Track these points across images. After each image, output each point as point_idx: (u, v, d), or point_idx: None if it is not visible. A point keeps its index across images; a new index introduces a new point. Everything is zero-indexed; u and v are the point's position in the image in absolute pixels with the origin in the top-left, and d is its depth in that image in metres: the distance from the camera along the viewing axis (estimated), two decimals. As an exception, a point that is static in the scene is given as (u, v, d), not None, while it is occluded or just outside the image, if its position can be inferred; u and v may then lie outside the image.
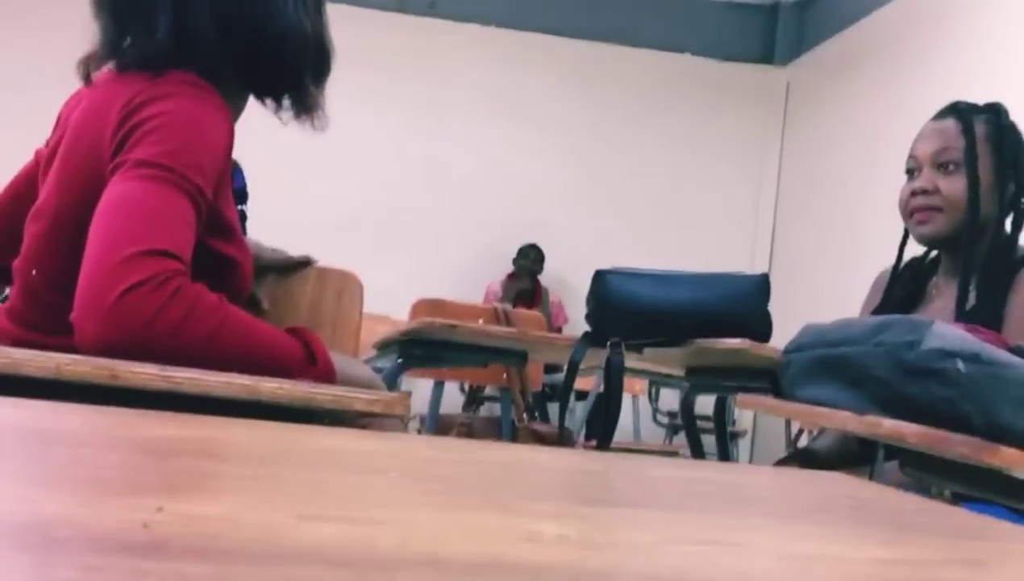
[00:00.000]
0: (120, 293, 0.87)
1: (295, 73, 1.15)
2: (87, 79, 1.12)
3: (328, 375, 0.99)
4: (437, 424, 2.93)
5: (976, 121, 1.57)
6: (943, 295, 1.60)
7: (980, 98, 1.66)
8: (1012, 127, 1.59)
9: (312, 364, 0.98)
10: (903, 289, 1.67)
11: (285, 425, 0.67)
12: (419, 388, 3.93)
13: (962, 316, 1.50)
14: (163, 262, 0.90)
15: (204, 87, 1.05)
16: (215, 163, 1.02)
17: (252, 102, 1.20)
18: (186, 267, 0.93)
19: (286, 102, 1.19)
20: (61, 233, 1.05)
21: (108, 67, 1.11)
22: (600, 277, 1.95)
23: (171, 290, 0.89)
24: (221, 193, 1.07)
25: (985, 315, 1.45)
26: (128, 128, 0.99)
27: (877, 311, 1.67)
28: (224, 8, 1.09)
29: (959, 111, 1.60)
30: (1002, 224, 1.57)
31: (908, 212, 1.61)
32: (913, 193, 1.59)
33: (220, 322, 0.92)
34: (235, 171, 2.25)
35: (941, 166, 1.57)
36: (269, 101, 1.19)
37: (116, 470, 0.45)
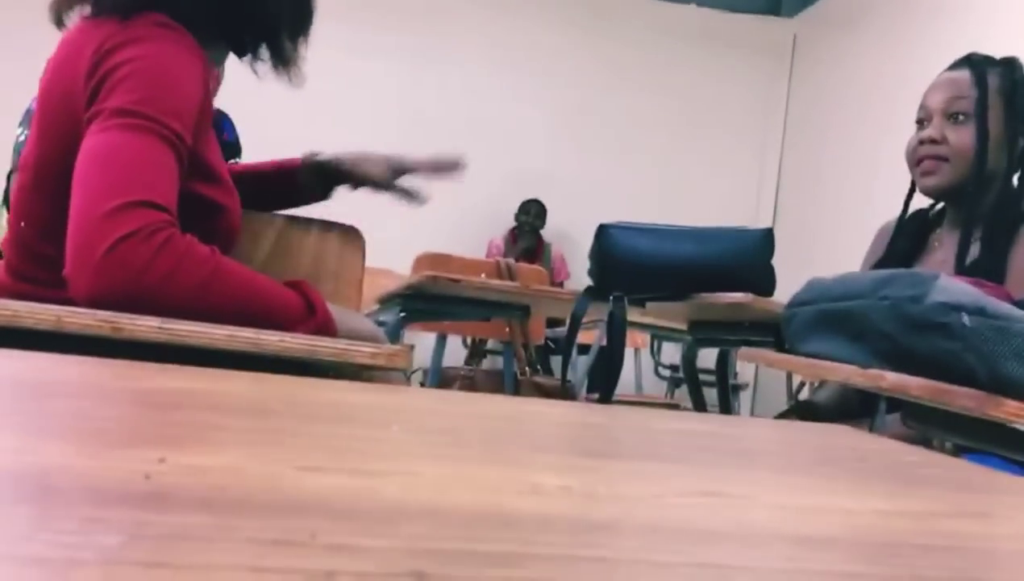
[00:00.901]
0: (109, 246, 0.87)
1: (269, 22, 1.13)
2: (59, 23, 1.10)
3: (327, 326, 0.98)
4: (440, 377, 2.94)
5: (990, 73, 1.55)
6: (944, 247, 1.60)
7: (989, 52, 1.64)
8: None
9: (311, 315, 0.97)
10: (906, 241, 1.66)
11: (287, 378, 0.66)
12: (421, 342, 3.94)
13: (963, 269, 1.49)
14: (150, 213, 0.89)
15: (176, 28, 1.03)
16: (192, 107, 1.01)
17: (233, 56, 1.19)
18: (173, 216, 0.92)
19: (263, 54, 1.17)
20: (44, 183, 1.04)
21: (80, 11, 1.09)
22: (603, 231, 1.94)
23: (160, 241, 0.88)
24: (202, 137, 1.06)
25: (987, 268, 1.44)
26: (101, 75, 0.98)
27: (879, 263, 1.66)
28: None
29: (973, 63, 1.58)
30: (1009, 178, 1.56)
31: (915, 161, 1.59)
32: (921, 142, 1.57)
33: (212, 272, 0.91)
34: (226, 124, 2.24)
35: (951, 116, 1.55)
36: (243, 54, 1.17)
37: (117, 422, 0.45)
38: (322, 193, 1.44)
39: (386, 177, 1.38)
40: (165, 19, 1.03)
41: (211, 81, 1.08)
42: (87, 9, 1.08)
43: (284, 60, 1.17)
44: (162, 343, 0.76)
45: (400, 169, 1.37)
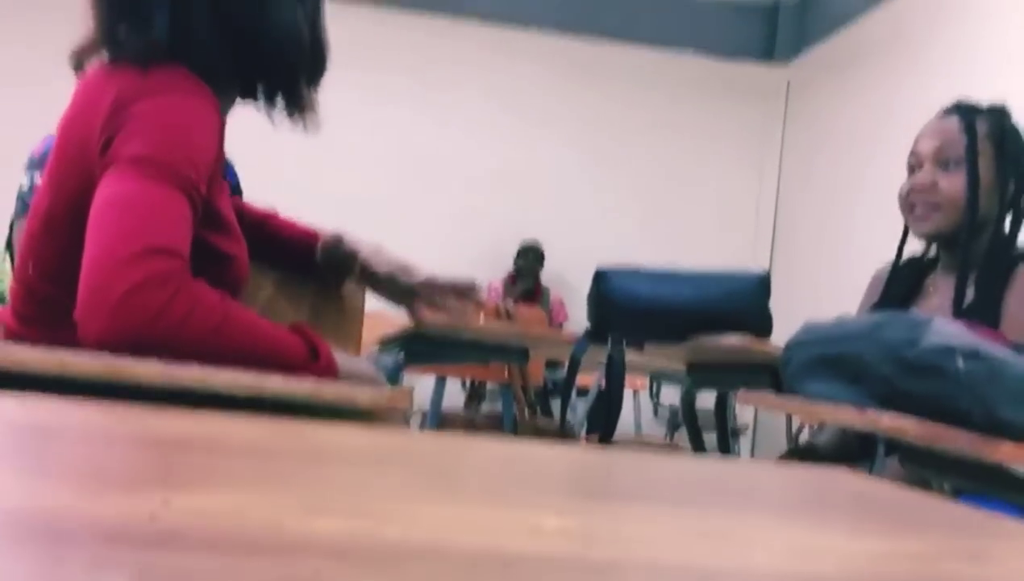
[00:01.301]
0: (123, 292, 0.88)
1: (291, 75, 1.15)
2: (79, 67, 1.12)
3: (330, 371, 0.99)
4: (439, 420, 2.94)
5: (978, 120, 1.58)
6: (940, 292, 1.61)
7: (978, 97, 1.67)
8: (1014, 128, 1.59)
9: (314, 360, 0.98)
10: (901, 286, 1.68)
11: (289, 420, 0.67)
12: (421, 384, 3.94)
13: (959, 313, 1.50)
14: (164, 260, 0.90)
15: (194, 81, 1.04)
16: (207, 158, 1.02)
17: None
18: (186, 264, 0.93)
19: (279, 102, 1.19)
20: (55, 228, 1.05)
21: (99, 59, 1.10)
22: (601, 275, 1.95)
23: (173, 288, 0.89)
24: (214, 187, 1.07)
25: (982, 312, 1.45)
26: (118, 124, 0.99)
27: (875, 307, 1.67)
28: (224, 9, 1.09)
29: (962, 109, 1.60)
30: (1001, 223, 1.57)
31: (908, 207, 1.61)
32: (913, 188, 1.59)
33: (222, 319, 0.92)
34: (227, 168, 2.25)
35: (942, 163, 1.57)
36: (261, 100, 1.19)
37: (121, 464, 0.46)
38: (335, 282, 1.43)
39: (413, 302, 1.37)
40: (183, 71, 1.05)
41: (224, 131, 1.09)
42: (105, 55, 1.10)
43: (300, 107, 1.19)
44: (166, 387, 0.76)
45: (428, 291, 1.37)
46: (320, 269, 1.40)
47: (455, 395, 4.92)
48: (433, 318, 1.42)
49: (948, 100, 1.67)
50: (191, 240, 0.97)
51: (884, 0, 5.10)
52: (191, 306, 0.90)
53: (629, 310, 1.91)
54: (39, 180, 1.45)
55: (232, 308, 0.95)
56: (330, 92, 1.23)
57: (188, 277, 0.92)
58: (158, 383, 0.76)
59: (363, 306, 1.48)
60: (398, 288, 1.36)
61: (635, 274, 1.95)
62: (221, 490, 0.41)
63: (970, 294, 1.53)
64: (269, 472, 0.47)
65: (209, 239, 1.06)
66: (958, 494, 1.16)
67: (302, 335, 1.00)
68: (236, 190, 2.27)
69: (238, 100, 1.19)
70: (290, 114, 1.19)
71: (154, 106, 1.00)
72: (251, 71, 1.14)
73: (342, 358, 1.03)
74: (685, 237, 5.98)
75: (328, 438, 0.63)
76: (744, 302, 1.90)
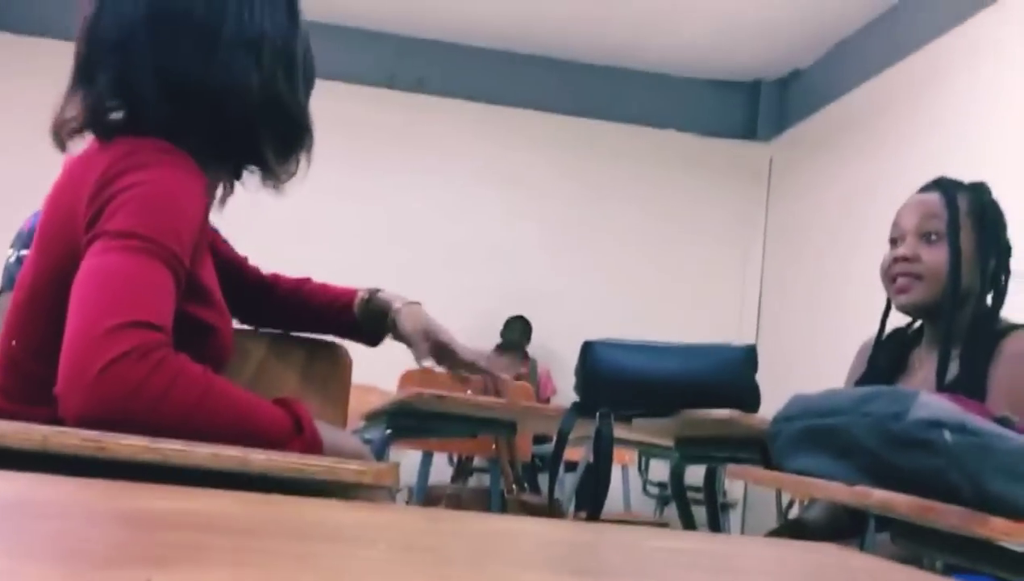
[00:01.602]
0: (103, 365, 0.87)
1: (244, 134, 1.13)
2: (62, 146, 1.12)
3: (315, 445, 0.98)
4: (425, 495, 2.90)
5: (960, 195, 1.60)
6: (924, 366, 1.62)
7: (956, 172, 1.70)
8: (994, 204, 1.62)
9: (299, 434, 0.97)
10: (886, 359, 1.68)
11: (275, 497, 0.66)
12: (407, 459, 3.89)
13: (943, 386, 1.50)
14: (145, 333, 0.90)
15: (179, 154, 1.05)
16: (191, 230, 1.03)
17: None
18: (168, 337, 0.93)
19: (250, 169, 1.19)
20: (39, 303, 1.05)
21: (86, 136, 1.11)
22: (589, 348, 1.95)
23: (155, 361, 0.89)
24: (198, 258, 1.07)
25: (967, 385, 1.46)
26: (104, 198, 1.00)
27: (861, 381, 1.68)
28: (165, 63, 1.08)
29: (943, 185, 1.63)
30: (983, 297, 1.59)
31: (890, 278, 1.63)
32: (895, 259, 1.61)
33: (204, 392, 0.91)
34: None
35: (924, 236, 1.59)
36: (240, 174, 1.19)
37: (103, 542, 0.45)
38: (373, 340, 1.43)
39: (459, 370, 1.41)
40: (169, 145, 1.05)
41: (209, 203, 1.10)
42: (92, 136, 1.11)
43: (269, 173, 1.18)
44: (149, 463, 0.75)
45: (472, 368, 1.40)
46: (361, 328, 1.41)
47: (442, 470, 4.86)
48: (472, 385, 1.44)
49: (928, 176, 1.71)
50: (174, 313, 0.97)
51: (865, 79, 5.23)
52: (172, 379, 0.89)
53: (617, 382, 1.91)
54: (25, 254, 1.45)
55: (215, 381, 0.94)
56: (318, 165, 1.24)
57: (170, 350, 0.91)
58: (141, 459, 0.75)
59: (350, 380, 1.48)
60: (430, 348, 1.38)
61: (623, 347, 1.95)
62: (206, 568, 0.40)
63: (954, 368, 1.53)
64: (254, 549, 0.46)
65: (191, 311, 1.06)
66: (950, 571, 1.15)
67: (286, 408, 1.00)
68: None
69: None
70: (261, 178, 1.19)
71: (139, 180, 1.01)
72: (200, 128, 1.11)
73: (327, 431, 1.02)
74: (672, 310, 6.01)
75: (313, 514, 0.63)
76: (731, 375, 1.90)
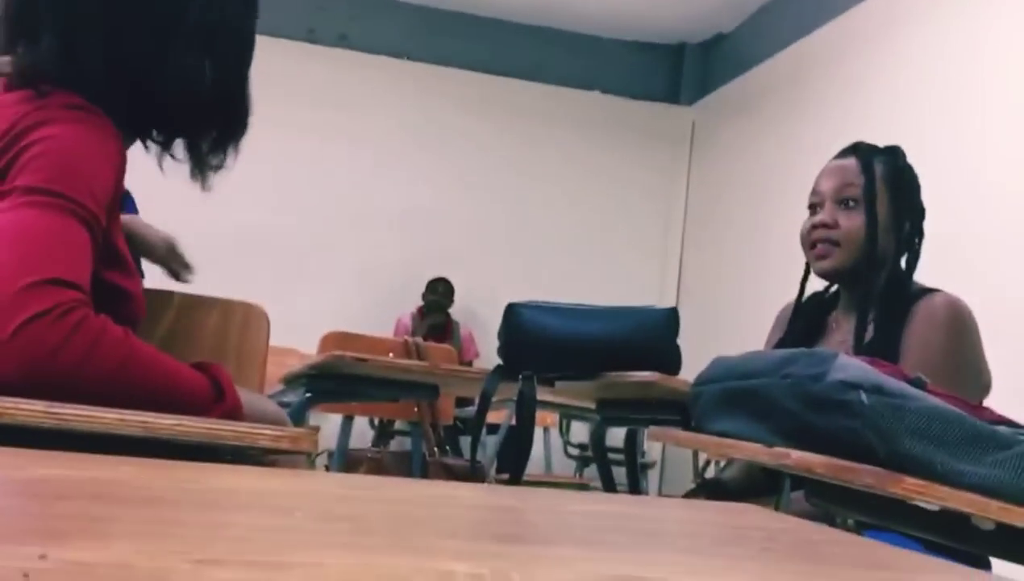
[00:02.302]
0: (18, 325, 0.82)
1: (189, 127, 1.10)
2: None
3: (236, 410, 0.95)
4: (345, 460, 2.87)
5: (876, 161, 1.64)
6: (841, 328, 1.65)
7: (872, 137, 1.73)
8: (909, 168, 1.66)
9: (220, 400, 0.94)
10: (805, 322, 1.72)
11: (183, 464, 0.63)
12: (327, 423, 3.85)
13: (860, 349, 1.54)
14: (63, 292, 0.85)
15: (91, 109, 1.00)
16: (105, 188, 0.98)
17: None
18: (87, 296, 0.88)
19: (180, 153, 1.14)
20: None
21: None
22: (512, 310, 1.95)
23: (74, 321, 0.84)
24: (112, 221, 1.03)
25: (882, 348, 1.49)
26: (13, 153, 0.95)
27: (780, 344, 1.71)
28: (117, 41, 1.03)
29: (860, 150, 1.66)
30: (898, 261, 1.63)
31: (809, 244, 1.66)
32: (814, 226, 1.64)
33: (126, 356, 0.87)
34: (127, 200, 2.18)
35: (842, 202, 1.62)
36: (154, 146, 1.14)
37: (-6, 515, 0.42)
38: None
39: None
40: (82, 101, 1.00)
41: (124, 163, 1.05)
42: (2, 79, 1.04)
43: (198, 163, 1.14)
44: (50, 429, 0.72)
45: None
46: None
47: (363, 433, 4.83)
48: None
49: (845, 140, 1.73)
50: (91, 272, 0.92)
51: (787, 44, 5.30)
52: (93, 341, 0.85)
53: (539, 345, 1.91)
54: None
55: (137, 345, 0.90)
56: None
57: (90, 310, 0.87)
58: (39, 424, 0.71)
59: (267, 342, 1.44)
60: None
61: (546, 309, 1.95)
62: (105, 541, 0.38)
63: (870, 331, 1.57)
64: (158, 520, 0.44)
65: (105, 275, 1.01)
66: (862, 528, 1.19)
67: (207, 372, 0.96)
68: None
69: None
70: (191, 168, 1.14)
71: (49, 135, 0.96)
72: (143, 114, 1.08)
73: (247, 396, 1.00)
74: (595, 272, 6.05)
75: (223, 482, 0.60)
76: (653, 337, 1.92)
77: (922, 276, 1.63)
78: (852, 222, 1.60)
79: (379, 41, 6.05)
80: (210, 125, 1.12)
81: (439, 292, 5.68)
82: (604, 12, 6.01)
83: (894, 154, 1.66)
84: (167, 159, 1.15)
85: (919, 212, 1.64)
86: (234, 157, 1.16)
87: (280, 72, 5.73)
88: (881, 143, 1.70)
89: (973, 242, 3.47)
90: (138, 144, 1.16)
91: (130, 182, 1.22)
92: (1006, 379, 1.62)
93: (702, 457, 4.28)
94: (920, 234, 1.63)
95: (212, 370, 0.97)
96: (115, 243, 1.04)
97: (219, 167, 1.15)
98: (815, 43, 5.05)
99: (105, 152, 1.00)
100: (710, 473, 2.13)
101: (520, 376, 1.91)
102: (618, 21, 6.14)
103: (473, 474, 2.29)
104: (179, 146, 1.14)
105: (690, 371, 1.51)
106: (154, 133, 1.12)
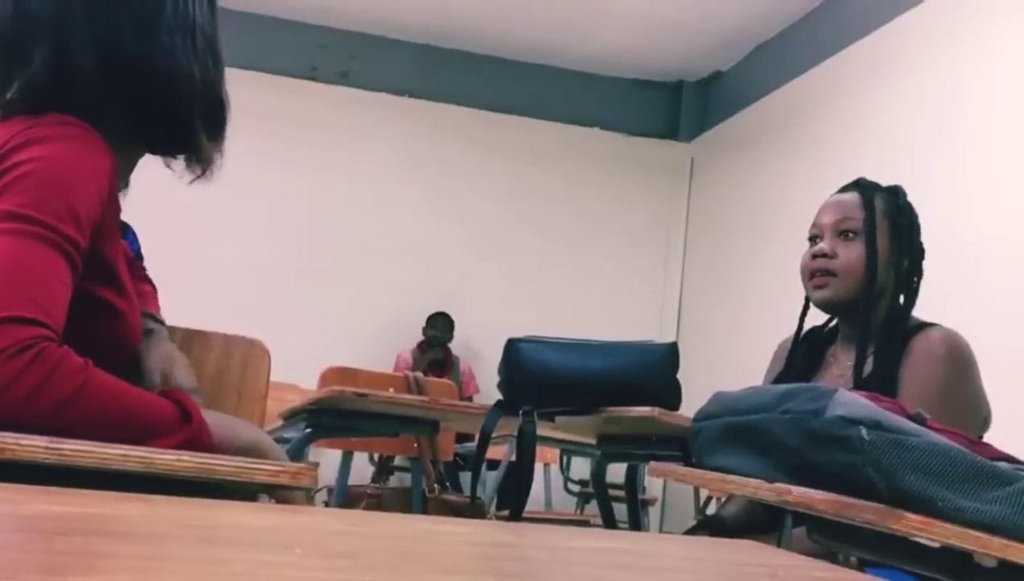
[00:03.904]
0: None
1: (183, 120, 1.12)
2: None
3: (203, 433, 0.95)
4: (345, 496, 2.86)
5: (877, 197, 1.65)
6: (840, 362, 1.65)
7: (872, 173, 1.75)
8: (909, 207, 1.67)
9: (185, 423, 0.94)
10: (803, 357, 1.72)
11: (183, 499, 0.63)
12: (327, 459, 3.83)
13: (859, 382, 1.54)
14: (21, 330, 0.87)
15: (83, 128, 1.01)
16: (91, 208, 0.98)
17: (148, 161, 1.17)
18: (54, 330, 0.89)
19: (178, 152, 1.15)
20: None
21: None
22: (512, 345, 1.94)
23: (29, 357, 0.86)
24: (106, 238, 1.03)
25: (880, 382, 1.49)
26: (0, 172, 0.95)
27: (779, 379, 1.71)
28: (106, 43, 1.05)
29: (861, 186, 1.68)
30: (896, 297, 1.63)
31: (808, 275, 1.66)
32: (813, 256, 1.65)
33: (81, 386, 0.88)
34: (129, 235, 2.19)
35: (842, 234, 1.63)
36: (160, 152, 1.16)
37: (-6, 551, 0.42)
38: None
39: None
40: (72, 119, 1.01)
41: (118, 181, 1.06)
42: None
43: (200, 160, 1.15)
44: (47, 464, 0.72)
45: None
46: None
47: (363, 469, 4.81)
48: None
49: (845, 177, 1.75)
50: (67, 299, 0.93)
51: (784, 81, 5.35)
52: (48, 373, 0.86)
53: (540, 380, 1.91)
54: None
55: (94, 376, 0.90)
56: (236, 159, 1.20)
57: (49, 344, 0.88)
58: (39, 460, 0.71)
59: (268, 377, 1.44)
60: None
61: (546, 344, 1.95)
62: (104, 577, 0.38)
63: (869, 365, 1.57)
64: (158, 557, 0.44)
65: (98, 292, 1.02)
66: (865, 565, 1.18)
67: (171, 398, 0.97)
68: (138, 256, 2.20)
69: (145, 156, 1.16)
70: (188, 164, 1.16)
71: (36, 156, 0.96)
72: (141, 113, 1.09)
73: (218, 419, 1.00)
74: (594, 308, 6.05)
75: (223, 518, 0.60)
76: (653, 373, 1.92)
77: (915, 314, 1.63)
78: (851, 252, 1.61)
79: (381, 79, 6.10)
80: (202, 118, 1.13)
81: (439, 327, 5.68)
82: (604, 51, 6.07)
83: (895, 192, 1.68)
84: (169, 167, 1.16)
85: (918, 251, 1.65)
86: (221, 148, 1.17)
87: (282, 109, 5.79)
88: (876, 179, 1.72)
89: (962, 283, 3.46)
90: (142, 176, 1.17)
91: (133, 218, 1.23)
92: (1007, 415, 1.61)
93: (703, 493, 4.26)
94: (919, 273, 1.64)
95: (176, 395, 0.98)
96: (109, 260, 1.04)
97: (212, 159, 1.16)
98: (810, 82, 5.10)
99: (94, 169, 1.00)
100: (711, 509, 2.12)
101: (520, 412, 1.90)
102: (618, 59, 6.20)
103: (473, 510, 2.27)
104: (178, 141, 1.15)
105: (690, 406, 1.50)
106: (155, 137, 1.13)
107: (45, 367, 0.86)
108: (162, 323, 1.26)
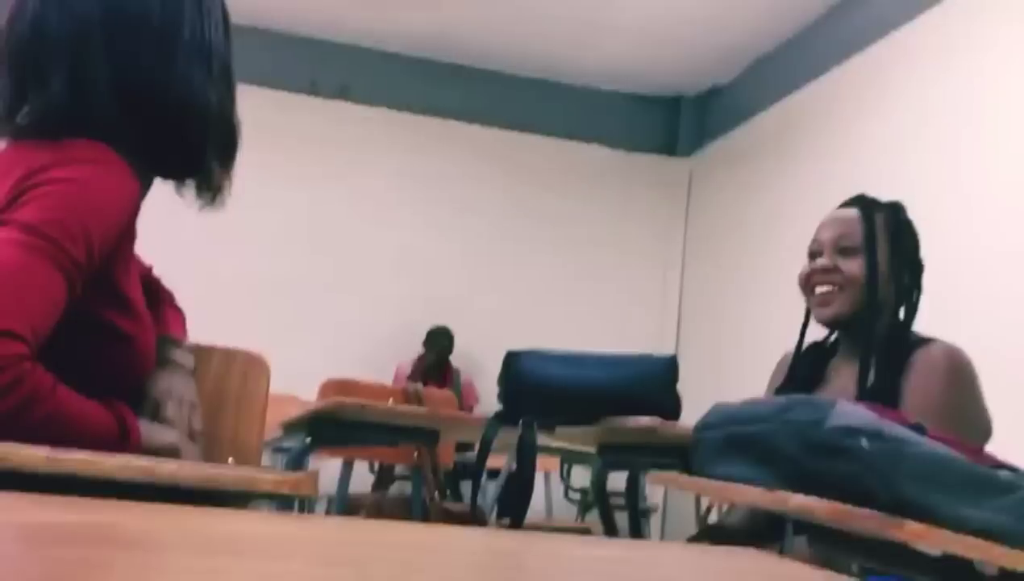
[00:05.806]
0: None
1: (197, 147, 1.12)
2: None
3: (136, 450, 1.00)
4: (346, 504, 2.85)
5: (876, 212, 1.66)
6: (841, 376, 1.65)
7: (871, 188, 1.75)
8: (909, 222, 1.68)
9: (124, 441, 0.98)
10: (805, 370, 1.72)
11: (184, 508, 0.63)
12: (327, 468, 3.82)
13: (863, 394, 1.54)
14: (12, 345, 0.88)
15: (109, 154, 1.02)
16: (107, 232, 0.99)
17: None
18: (30, 347, 0.90)
19: (188, 179, 1.16)
20: None
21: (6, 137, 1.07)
22: (513, 357, 1.95)
23: (9, 379, 0.87)
24: (120, 265, 1.03)
25: (883, 394, 1.49)
26: (24, 187, 0.96)
27: (781, 391, 1.71)
28: (124, 68, 1.05)
29: (862, 202, 1.69)
30: (897, 311, 1.64)
31: (809, 288, 1.66)
32: (814, 270, 1.65)
33: (51, 412, 0.91)
34: None
35: (842, 250, 1.64)
36: (171, 177, 1.16)
37: (-5, 559, 0.42)
38: None
39: None
40: (101, 145, 1.02)
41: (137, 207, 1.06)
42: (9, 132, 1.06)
43: (210, 186, 1.15)
44: (42, 473, 0.72)
45: None
46: None
47: (363, 478, 4.80)
48: None
49: (843, 191, 1.75)
50: (54, 320, 0.94)
51: (783, 96, 5.36)
52: (25, 400, 0.88)
53: (540, 392, 1.91)
54: None
55: (62, 399, 0.93)
56: (236, 173, 1.20)
57: (27, 364, 0.89)
58: (39, 470, 0.71)
59: (267, 389, 1.44)
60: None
61: (545, 356, 1.96)
62: (105, 585, 0.38)
63: (871, 377, 1.57)
64: (158, 566, 0.44)
65: (107, 317, 1.02)
66: (865, 573, 1.17)
67: (115, 413, 1.00)
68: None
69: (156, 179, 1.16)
70: (199, 193, 1.16)
71: (63, 176, 0.97)
72: (156, 140, 1.09)
73: (144, 429, 1.03)
74: (592, 322, 6.05)
75: (223, 526, 0.60)
76: (653, 384, 1.92)
77: (915, 329, 1.63)
78: (852, 267, 1.61)
79: (380, 93, 6.11)
80: (215, 145, 1.14)
81: (439, 340, 5.68)
82: (602, 66, 6.08)
83: (895, 209, 1.68)
84: (179, 194, 1.16)
85: (918, 266, 1.66)
86: (230, 174, 1.17)
87: (282, 123, 5.79)
88: (875, 194, 1.72)
89: (963, 298, 3.45)
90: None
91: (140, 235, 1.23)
92: (1008, 427, 1.61)
93: (704, 502, 4.24)
94: (919, 288, 1.64)
95: (121, 412, 1.00)
96: (119, 284, 1.04)
97: (221, 186, 1.17)
98: (809, 96, 5.11)
99: (118, 197, 1.01)
100: (713, 518, 2.12)
101: (521, 422, 1.90)
102: (616, 74, 6.21)
103: (474, 519, 2.27)
104: (190, 169, 1.15)
105: (690, 417, 1.50)
106: (168, 166, 1.13)
107: (24, 392, 0.88)
108: (188, 350, 1.22)
